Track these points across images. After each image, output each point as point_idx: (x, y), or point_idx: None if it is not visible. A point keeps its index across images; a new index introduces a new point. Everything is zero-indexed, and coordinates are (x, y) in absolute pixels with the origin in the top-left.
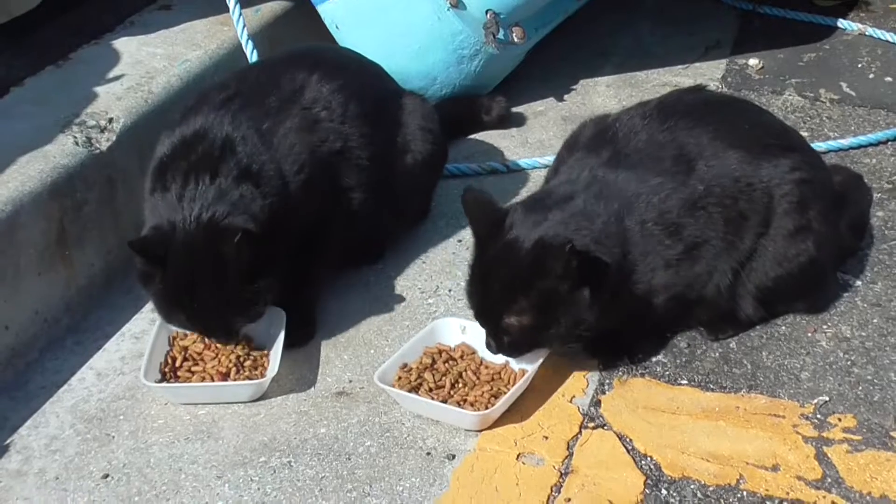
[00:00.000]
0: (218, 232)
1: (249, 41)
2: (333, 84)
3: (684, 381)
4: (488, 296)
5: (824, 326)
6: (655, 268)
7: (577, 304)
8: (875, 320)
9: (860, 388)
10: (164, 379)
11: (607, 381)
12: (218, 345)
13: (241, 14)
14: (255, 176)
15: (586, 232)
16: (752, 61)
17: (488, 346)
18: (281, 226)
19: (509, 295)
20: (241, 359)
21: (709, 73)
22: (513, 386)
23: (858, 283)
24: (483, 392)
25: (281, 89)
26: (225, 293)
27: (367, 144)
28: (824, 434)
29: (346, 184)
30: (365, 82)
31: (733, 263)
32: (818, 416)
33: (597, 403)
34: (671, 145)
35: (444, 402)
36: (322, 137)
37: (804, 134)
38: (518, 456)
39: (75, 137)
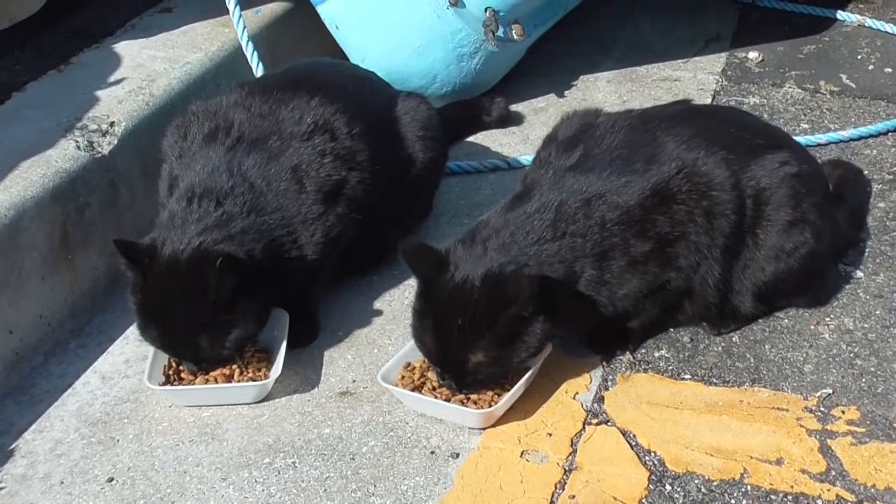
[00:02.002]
0: (202, 254)
1: (250, 43)
2: (335, 107)
3: (687, 376)
4: (448, 339)
5: (827, 319)
6: (619, 268)
7: (538, 324)
8: (878, 312)
9: (864, 380)
10: (167, 382)
11: (610, 377)
12: (186, 371)
13: (241, 16)
14: (258, 223)
15: (524, 256)
16: (752, 54)
17: (447, 387)
18: (279, 265)
19: (473, 334)
20: (245, 360)
21: (709, 67)
22: (515, 383)
23: (860, 274)
24: (486, 390)
25: (283, 123)
26: (198, 317)
27: (372, 164)
28: (828, 427)
29: (352, 206)
30: (365, 100)
31: (719, 258)
32: (822, 408)
33: (600, 399)
34: (649, 146)
35: (448, 400)
36: (329, 171)
37: (804, 126)
38: (522, 453)
39: (77, 141)
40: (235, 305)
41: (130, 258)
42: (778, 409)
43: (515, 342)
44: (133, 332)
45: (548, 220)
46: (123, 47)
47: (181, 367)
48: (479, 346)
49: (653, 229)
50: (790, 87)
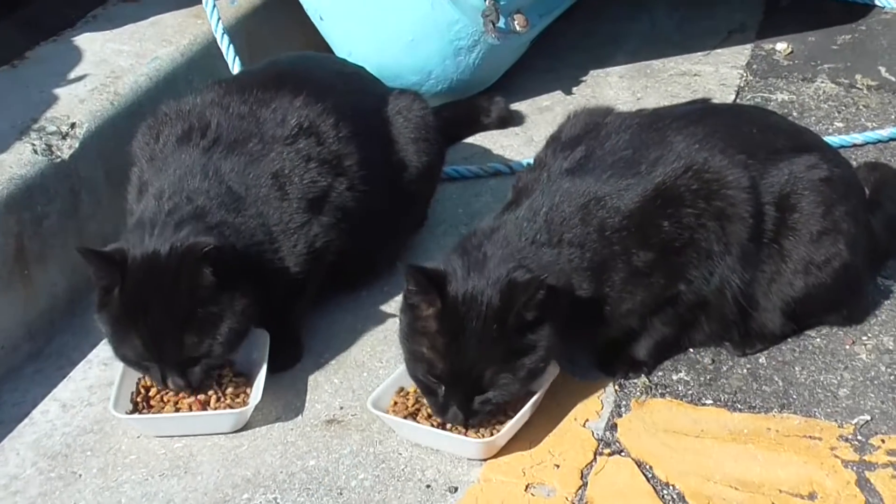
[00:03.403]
0: (182, 247)
1: (225, 35)
2: (321, 107)
3: (709, 401)
4: (464, 356)
5: (864, 338)
6: (620, 280)
7: (545, 331)
8: None
9: None
10: (135, 410)
11: (624, 402)
12: (172, 385)
13: (215, 6)
14: (236, 223)
15: (527, 260)
16: (780, 45)
17: (453, 417)
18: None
19: (489, 345)
20: (222, 385)
21: (732, 60)
22: (519, 410)
23: None
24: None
25: (264, 125)
26: (181, 311)
27: (361, 170)
28: (866, 457)
29: (339, 215)
30: (353, 99)
31: (736, 269)
32: (859, 437)
33: (613, 427)
34: (656, 147)
35: (445, 428)
36: (314, 177)
37: (838, 125)
38: (527, 487)
39: (34, 145)
40: (221, 297)
41: (99, 265)
42: (810, 437)
43: (529, 351)
44: (97, 355)
45: (540, 226)
46: (85, 40)
47: (150, 394)
48: (495, 357)
49: (657, 236)
50: (822, 82)
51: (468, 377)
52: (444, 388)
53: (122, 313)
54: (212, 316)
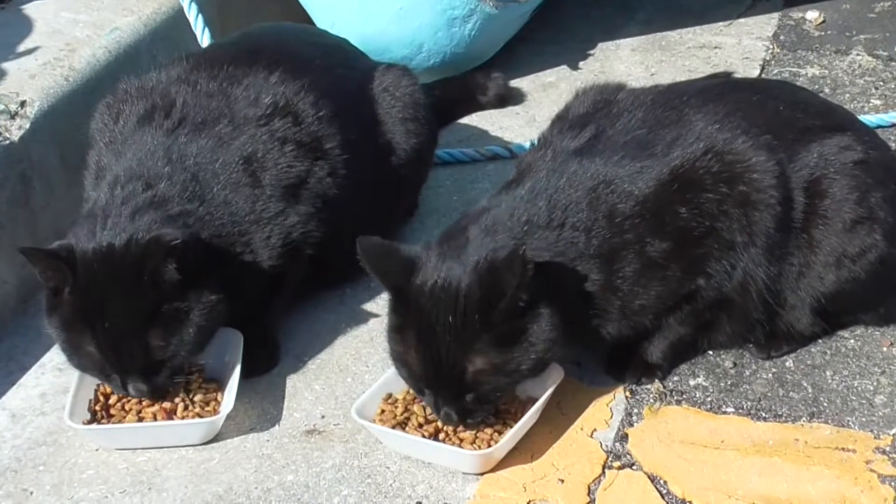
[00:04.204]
0: (140, 239)
1: (193, 4)
2: (298, 84)
3: (730, 409)
4: (438, 349)
5: None
6: (633, 271)
7: (542, 318)
8: None
9: None
10: (94, 419)
11: (636, 409)
12: (134, 392)
13: None
14: (200, 212)
15: (514, 240)
16: (811, 14)
17: (446, 417)
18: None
19: (467, 335)
20: (190, 392)
21: (757, 31)
22: (520, 418)
23: None
24: (484, 427)
25: (235, 104)
26: (144, 307)
27: (343, 153)
28: None
29: (319, 204)
30: (335, 75)
31: (761, 262)
32: None
33: (623, 438)
34: (673, 127)
35: (437, 439)
36: (290, 162)
37: (875, 102)
38: (528, 503)
39: None
40: (188, 293)
41: (45, 265)
42: (842, 449)
43: (519, 341)
44: (51, 359)
45: (540, 207)
46: (35, 9)
47: (111, 402)
48: (476, 349)
49: (673, 223)
50: (858, 54)
51: (449, 375)
52: (427, 389)
53: (75, 316)
54: (177, 313)
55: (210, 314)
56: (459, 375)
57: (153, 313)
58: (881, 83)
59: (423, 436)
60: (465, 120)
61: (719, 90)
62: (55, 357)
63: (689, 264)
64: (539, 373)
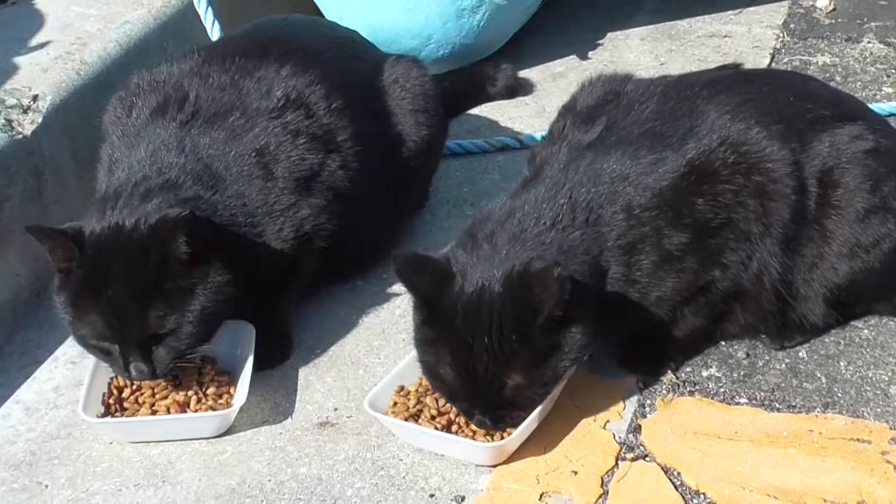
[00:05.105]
0: (152, 218)
1: None
2: (310, 76)
3: (744, 400)
4: (476, 366)
5: None
6: (651, 263)
7: (575, 327)
8: None
9: None
10: (107, 413)
11: (648, 401)
12: (135, 372)
13: None
14: (213, 200)
15: (543, 247)
16: (821, 2)
17: (479, 424)
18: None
19: (505, 353)
20: (203, 385)
21: (767, 20)
22: (533, 410)
23: None
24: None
25: (247, 97)
26: (147, 281)
27: (354, 145)
28: None
29: (331, 196)
30: (346, 67)
31: (776, 253)
32: None
33: (636, 429)
34: (686, 118)
35: (450, 431)
36: (302, 154)
37: (887, 90)
38: (541, 496)
39: None
40: (194, 271)
41: (53, 243)
42: (857, 440)
43: (555, 353)
44: (64, 353)
45: (562, 206)
46: (47, 3)
47: (124, 395)
48: (515, 366)
49: (690, 215)
50: (869, 42)
51: (487, 391)
52: (462, 404)
53: (81, 290)
54: (182, 290)
55: (216, 294)
56: (498, 391)
57: (157, 287)
58: (893, 70)
59: (436, 428)
60: (474, 111)
61: (729, 81)
62: (68, 350)
63: (706, 256)
64: (558, 390)
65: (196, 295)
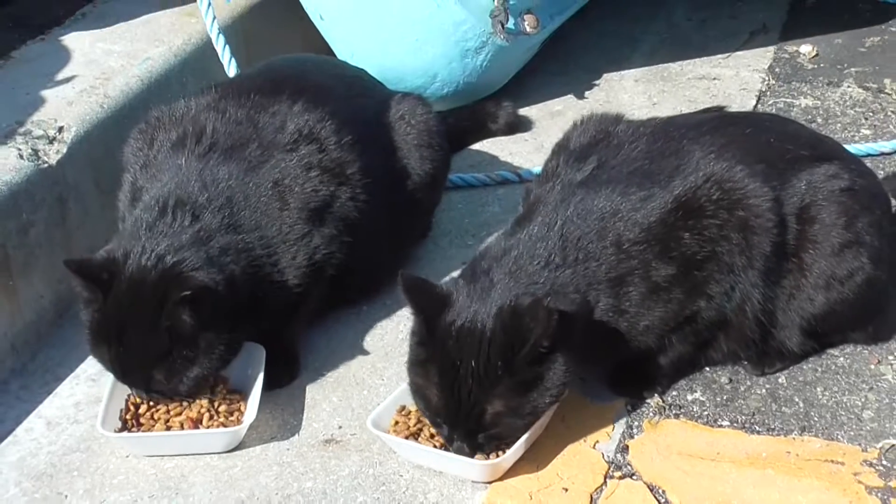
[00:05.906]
0: (174, 279)
1: (220, 35)
2: (321, 112)
3: (726, 423)
4: (459, 389)
5: (890, 357)
6: (639, 295)
7: (558, 363)
8: None
9: None
10: (124, 428)
11: (636, 423)
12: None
13: (210, 4)
14: (237, 241)
15: (536, 285)
16: (805, 48)
17: (458, 450)
18: (257, 291)
19: (489, 379)
20: (215, 403)
21: (754, 63)
22: (515, 440)
23: None
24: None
25: (263, 131)
26: (156, 349)
27: (363, 178)
28: (892, 483)
29: (341, 226)
30: (355, 104)
31: (758, 284)
32: (884, 462)
33: (624, 449)
34: (672, 157)
35: (448, 449)
36: (315, 186)
37: (865, 132)
38: None
39: (20, 150)
40: (199, 339)
41: (87, 277)
42: (832, 461)
43: (536, 386)
44: (84, 370)
45: (555, 244)
46: (73, 40)
47: (140, 412)
48: (496, 393)
49: (677, 249)
50: (849, 87)
51: (468, 414)
52: (444, 423)
53: (99, 330)
54: (184, 359)
55: (214, 363)
56: (478, 416)
57: (163, 355)
58: (871, 114)
59: (435, 446)
60: (476, 146)
61: (714, 123)
62: (88, 368)
63: (692, 287)
64: (548, 410)
65: (196, 365)
